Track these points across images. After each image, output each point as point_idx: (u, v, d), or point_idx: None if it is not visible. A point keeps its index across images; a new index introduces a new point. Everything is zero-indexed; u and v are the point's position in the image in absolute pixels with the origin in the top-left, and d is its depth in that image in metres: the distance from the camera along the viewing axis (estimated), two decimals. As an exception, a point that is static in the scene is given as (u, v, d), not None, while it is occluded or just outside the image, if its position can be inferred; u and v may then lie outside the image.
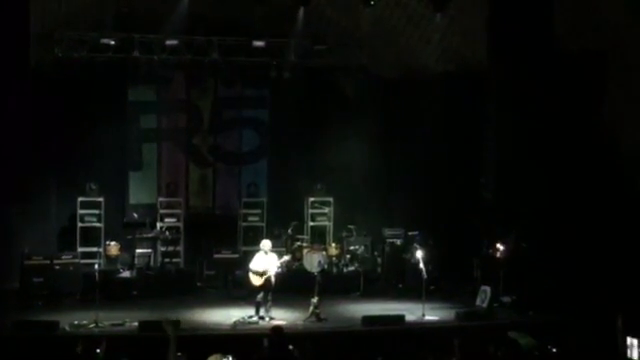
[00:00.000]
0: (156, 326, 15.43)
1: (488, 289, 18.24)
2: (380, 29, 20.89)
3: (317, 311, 16.73)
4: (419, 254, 17.85)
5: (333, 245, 21.11)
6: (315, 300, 16.75)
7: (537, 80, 19.20)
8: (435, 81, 20.99)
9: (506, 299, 18.22)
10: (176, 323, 13.71)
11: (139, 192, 21.91)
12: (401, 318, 16.69)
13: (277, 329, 11.89)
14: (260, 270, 16.74)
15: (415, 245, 19.02)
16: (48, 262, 18.65)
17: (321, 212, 21.85)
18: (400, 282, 20.24)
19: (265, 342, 12.17)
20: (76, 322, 15.87)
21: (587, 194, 18.89)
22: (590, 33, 18.87)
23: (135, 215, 20.68)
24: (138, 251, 20.24)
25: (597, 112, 19.15)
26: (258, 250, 17.22)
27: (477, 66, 20.19)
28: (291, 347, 11.73)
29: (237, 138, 22.77)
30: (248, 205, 21.76)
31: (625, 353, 14.24)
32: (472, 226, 20.01)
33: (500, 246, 18.74)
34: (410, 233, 20.90)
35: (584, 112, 19.17)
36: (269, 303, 16.78)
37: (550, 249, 18.64)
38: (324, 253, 20.06)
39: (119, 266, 19.93)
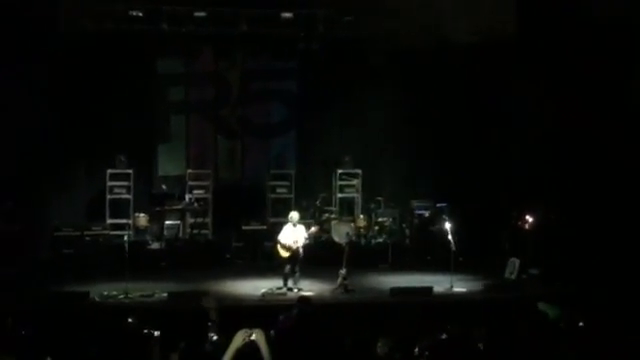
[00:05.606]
0: (185, 297, 15.67)
1: (517, 261, 18.20)
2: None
3: (345, 282, 16.78)
4: (447, 226, 17.76)
5: (361, 217, 21.14)
6: (343, 271, 16.79)
7: (566, 50, 19.05)
8: (464, 51, 20.80)
9: (534, 271, 18.18)
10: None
11: (168, 164, 21.97)
12: (429, 290, 16.71)
13: (305, 299, 11.91)
14: (288, 244, 16.80)
15: (443, 217, 18.89)
16: (78, 233, 18.86)
17: (349, 184, 21.82)
18: (428, 254, 20.19)
19: (294, 312, 12.16)
20: (106, 293, 16.02)
21: (616, 165, 18.74)
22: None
23: (164, 187, 20.74)
24: (167, 223, 20.38)
25: (628, 82, 18.94)
26: (286, 222, 17.26)
27: (506, 37, 20.02)
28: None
29: (265, 110, 22.73)
30: (276, 177, 21.77)
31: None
32: (500, 197, 19.93)
33: (529, 217, 18.68)
34: (438, 205, 20.86)
35: (614, 83, 18.96)
36: (297, 274, 16.86)
37: (579, 220, 18.55)
38: (352, 225, 20.08)
39: (148, 237, 20.05)
